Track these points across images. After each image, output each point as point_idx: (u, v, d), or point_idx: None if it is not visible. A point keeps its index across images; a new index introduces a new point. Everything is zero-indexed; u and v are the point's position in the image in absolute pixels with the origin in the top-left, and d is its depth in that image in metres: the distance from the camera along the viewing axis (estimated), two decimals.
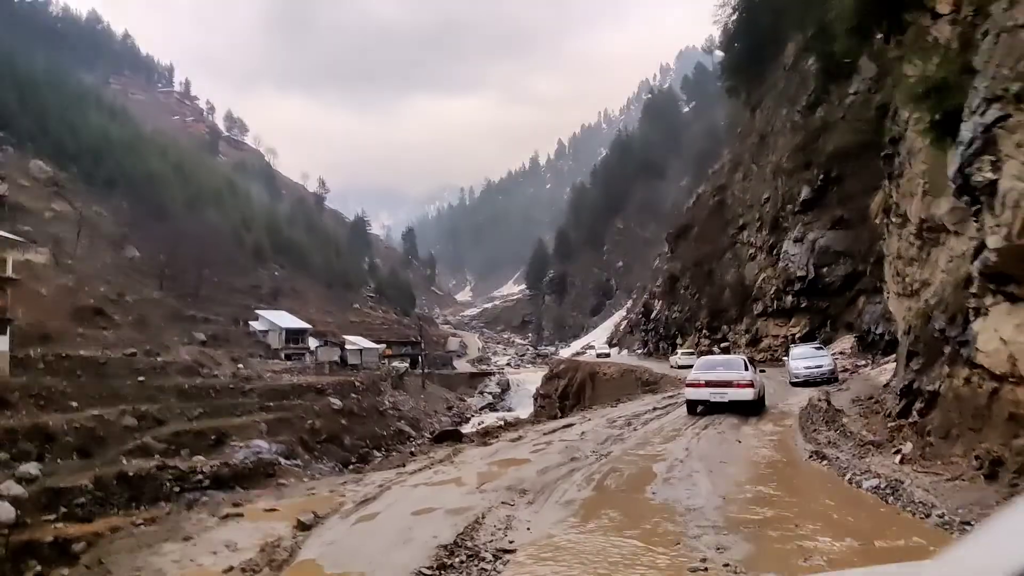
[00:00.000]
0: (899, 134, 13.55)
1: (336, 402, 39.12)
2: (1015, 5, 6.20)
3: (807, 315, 32.77)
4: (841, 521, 5.57)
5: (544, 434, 13.01)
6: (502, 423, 30.63)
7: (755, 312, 36.85)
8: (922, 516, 5.53)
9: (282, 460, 28.10)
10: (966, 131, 6.60)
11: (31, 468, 20.07)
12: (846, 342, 29.36)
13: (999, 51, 6.32)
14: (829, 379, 19.95)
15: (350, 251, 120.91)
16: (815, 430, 11.17)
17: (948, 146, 7.60)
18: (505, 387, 73.00)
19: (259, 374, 41.54)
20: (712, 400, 13.91)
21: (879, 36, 13.49)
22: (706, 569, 4.29)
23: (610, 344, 72.09)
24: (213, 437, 28.51)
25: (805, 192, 33.34)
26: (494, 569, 4.53)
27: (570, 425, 14.43)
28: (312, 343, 63.42)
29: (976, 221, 7.02)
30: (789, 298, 33.43)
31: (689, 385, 14.64)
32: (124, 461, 23.03)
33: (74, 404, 27.38)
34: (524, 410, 50.85)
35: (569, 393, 40.92)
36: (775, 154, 38.73)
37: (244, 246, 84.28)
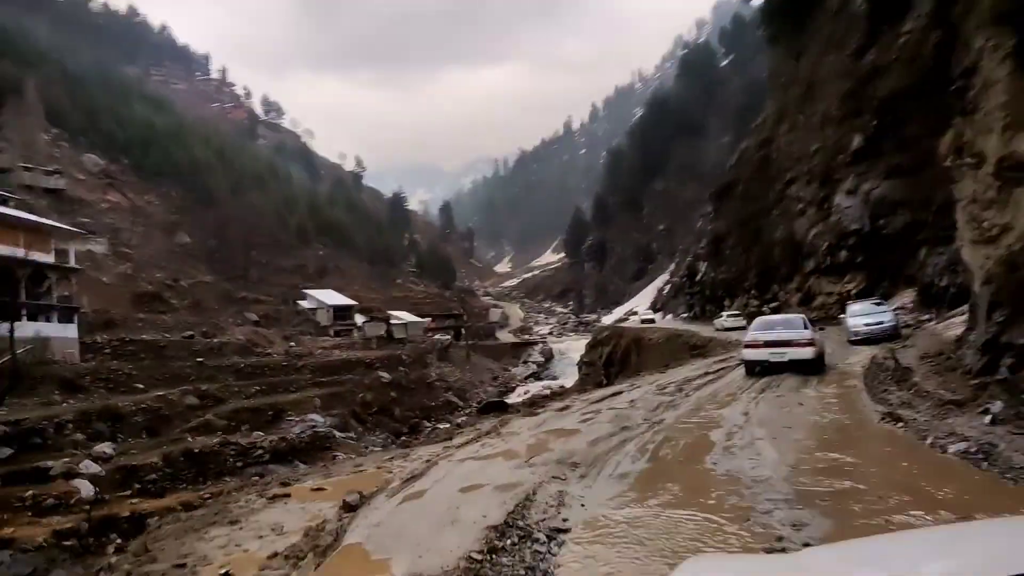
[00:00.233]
0: (972, 64, 12.35)
1: (385, 375, 39.86)
2: None
3: (863, 270, 31.32)
4: (931, 491, 5.01)
5: (592, 403, 12.66)
6: (548, 392, 30.60)
7: (807, 270, 35.46)
8: None
9: (336, 433, 28.75)
10: None
11: (105, 448, 20.98)
12: (907, 296, 28.05)
13: None
14: (891, 336, 18.90)
15: (390, 228, 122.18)
16: (884, 390, 10.48)
17: None
18: (548, 356, 72.98)
19: (310, 351, 42.63)
20: (771, 361, 13.52)
21: None
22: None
23: (653, 309, 70.87)
24: (270, 413, 29.41)
25: (857, 141, 31.53)
26: (548, 551, 4.23)
27: (618, 393, 14.06)
28: (359, 319, 64.63)
29: None
30: (843, 253, 31.99)
31: (747, 346, 14.26)
32: (189, 439, 23.93)
33: (140, 386, 28.70)
34: (568, 379, 50.71)
35: (614, 360, 40.43)
36: (823, 103, 36.66)
37: (288, 227, 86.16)
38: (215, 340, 37.65)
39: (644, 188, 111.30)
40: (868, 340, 18.62)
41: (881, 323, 19.72)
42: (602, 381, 32.46)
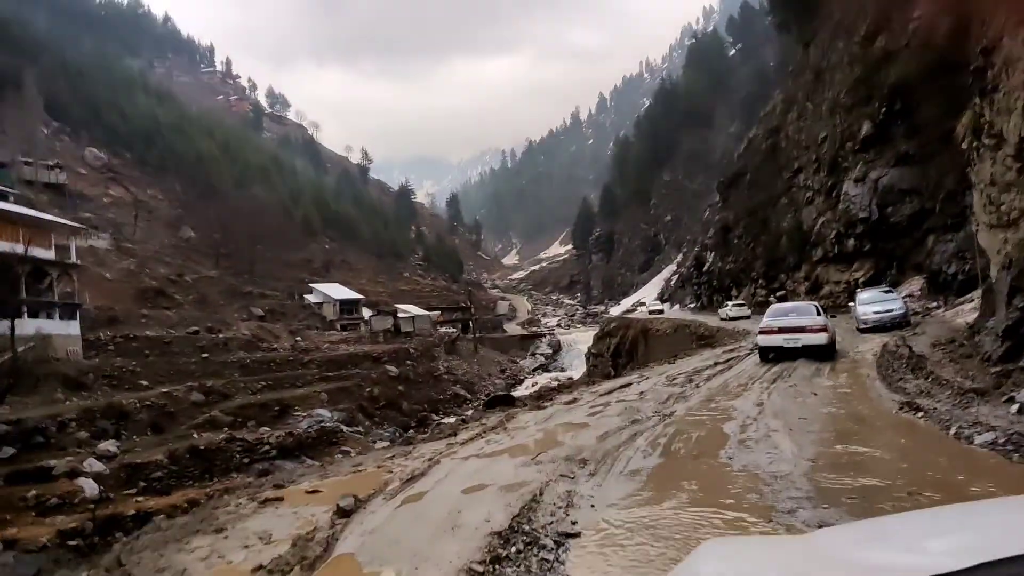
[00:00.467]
0: (992, 43, 11.90)
1: (392, 369, 39.74)
2: None
3: (871, 258, 31.04)
4: (964, 487, 4.72)
5: (600, 395, 12.39)
6: (556, 384, 30.35)
7: (814, 258, 35.11)
8: None
9: (344, 427, 28.65)
10: None
11: (109, 445, 20.92)
12: (915, 284, 27.80)
13: None
14: (901, 323, 18.60)
15: (396, 221, 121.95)
16: (900, 379, 10.15)
17: None
18: (556, 348, 72.72)
19: (317, 345, 42.53)
20: (785, 346, 13.73)
21: None
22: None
23: (661, 299, 70.50)
24: (277, 408, 29.34)
25: (866, 128, 31.06)
26: (556, 559, 3.94)
27: (627, 384, 13.78)
28: (366, 313, 64.54)
29: None
30: (851, 242, 31.65)
31: (761, 332, 14.40)
32: (195, 435, 23.86)
33: (144, 383, 28.62)
34: (577, 370, 50.49)
35: (622, 351, 40.17)
36: (832, 90, 36.14)
37: (294, 221, 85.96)
38: (220, 335, 37.56)
39: (652, 178, 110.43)
40: (877, 328, 18.39)
41: (891, 311, 19.40)
42: (610, 372, 32.20)
